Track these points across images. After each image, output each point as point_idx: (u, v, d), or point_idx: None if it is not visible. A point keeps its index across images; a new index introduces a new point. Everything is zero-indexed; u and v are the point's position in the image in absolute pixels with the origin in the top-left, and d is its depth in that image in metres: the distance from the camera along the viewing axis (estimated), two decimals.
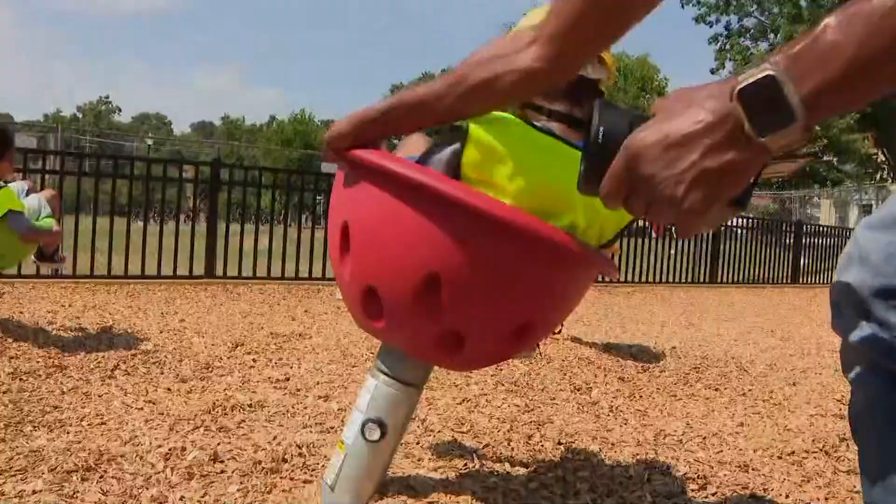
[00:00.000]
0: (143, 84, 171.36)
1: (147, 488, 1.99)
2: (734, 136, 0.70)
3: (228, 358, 3.69)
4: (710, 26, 35.79)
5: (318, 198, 8.85)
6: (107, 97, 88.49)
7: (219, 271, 7.48)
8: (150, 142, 41.55)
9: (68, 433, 2.41)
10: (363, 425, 1.65)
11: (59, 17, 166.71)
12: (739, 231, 12.69)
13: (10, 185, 3.81)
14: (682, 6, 35.42)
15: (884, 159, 33.95)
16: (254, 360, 3.68)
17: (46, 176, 7.10)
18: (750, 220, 13.71)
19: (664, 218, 0.75)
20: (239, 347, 3.96)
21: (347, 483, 1.68)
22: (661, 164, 0.72)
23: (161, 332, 4.27)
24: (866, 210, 30.34)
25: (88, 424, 2.52)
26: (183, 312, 5.17)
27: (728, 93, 0.71)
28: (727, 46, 35.76)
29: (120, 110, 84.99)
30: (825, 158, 28.86)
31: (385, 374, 1.68)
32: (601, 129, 0.76)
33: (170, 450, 2.27)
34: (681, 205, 0.73)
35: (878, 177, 33.54)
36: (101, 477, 2.04)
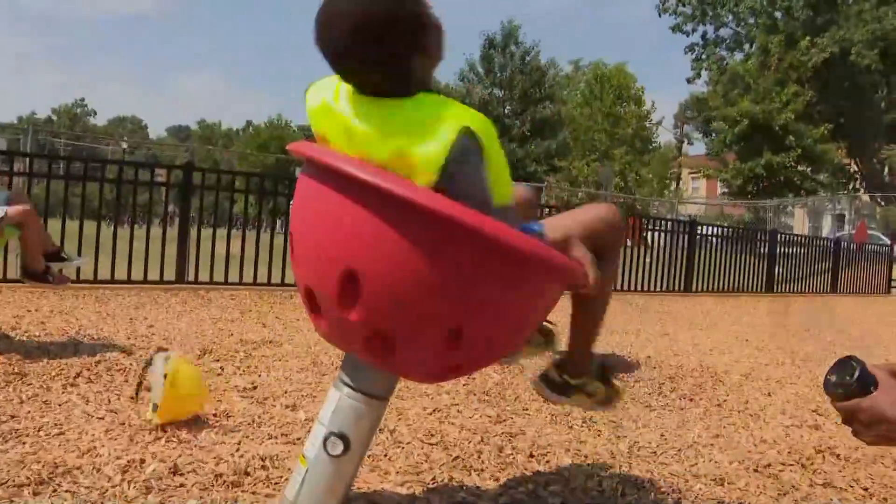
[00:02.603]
0: (119, 87, 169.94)
1: (102, 503, 1.91)
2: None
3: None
4: (687, 36, 36.23)
5: (292, 203, 8.76)
6: (82, 100, 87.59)
7: (190, 276, 7.36)
8: (125, 145, 41.17)
9: (24, 444, 2.32)
10: (325, 439, 1.60)
11: (35, 18, 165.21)
12: (714, 240, 12.69)
13: None
14: (660, 15, 35.84)
15: (856, 169, 34.35)
16: (221, 368, 3.59)
17: (14, 178, 6.95)
18: (724, 229, 13.75)
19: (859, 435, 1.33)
20: (207, 354, 3.87)
21: (309, 499, 1.61)
22: (865, 421, 1.29)
23: (128, 339, 4.17)
24: (839, 219, 30.63)
25: (46, 434, 2.43)
26: (152, 318, 5.06)
27: None
28: (703, 56, 36.12)
29: (95, 113, 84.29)
30: (799, 168, 29.06)
31: (348, 385, 1.62)
32: (856, 381, 1.31)
33: (128, 462, 2.19)
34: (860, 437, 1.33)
35: (851, 187, 33.93)
36: (54, 491, 1.97)
